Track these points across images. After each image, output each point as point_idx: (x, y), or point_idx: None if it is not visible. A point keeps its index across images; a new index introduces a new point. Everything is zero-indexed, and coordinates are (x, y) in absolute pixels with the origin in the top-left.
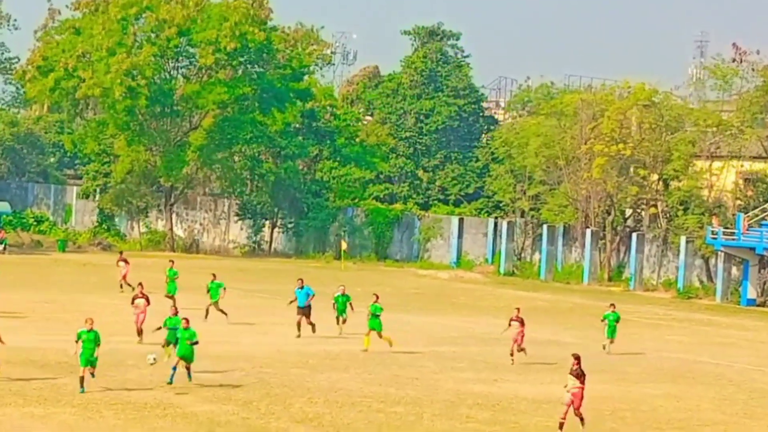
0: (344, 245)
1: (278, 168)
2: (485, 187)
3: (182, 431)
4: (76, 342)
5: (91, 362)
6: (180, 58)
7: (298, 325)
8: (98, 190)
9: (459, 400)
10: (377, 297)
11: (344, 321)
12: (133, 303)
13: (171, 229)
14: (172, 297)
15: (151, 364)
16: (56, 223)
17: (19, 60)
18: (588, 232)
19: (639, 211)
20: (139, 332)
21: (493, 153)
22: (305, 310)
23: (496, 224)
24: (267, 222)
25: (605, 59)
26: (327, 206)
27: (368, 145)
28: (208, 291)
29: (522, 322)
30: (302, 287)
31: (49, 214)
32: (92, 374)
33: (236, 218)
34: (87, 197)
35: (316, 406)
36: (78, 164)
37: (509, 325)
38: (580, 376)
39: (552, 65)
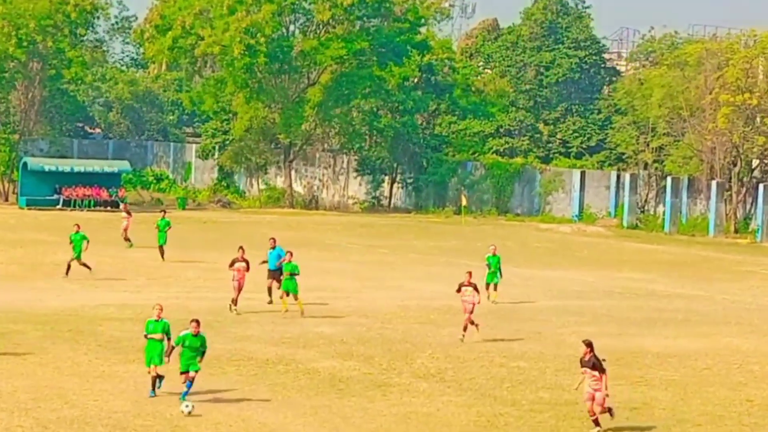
0: (464, 200)
1: (397, 123)
2: (607, 140)
3: (304, 387)
4: (145, 336)
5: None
6: (297, 14)
7: (269, 290)
8: (217, 147)
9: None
10: (291, 254)
11: (495, 287)
12: (232, 266)
13: (290, 185)
14: (161, 249)
15: (189, 412)
16: (176, 181)
17: (137, 18)
18: (713, 183)
19: (766, 161)
20: (235, 301)
21: (615, 105)
22: (275, 273)
23: (618, 177)
24: (386, 177)
25: (730, 8)
26: (446, 161)
27: (487, 99)
28: (71, 243)
29: (476, 288)
30: (274, 248)
31: (168, 172)
32: (160, 378)
33: (355, 174)
34: (206, 155)
35: (438, 362)
36: (197, 122)
37: (458, 290)
38: (595, 366)
39: (675, 15)
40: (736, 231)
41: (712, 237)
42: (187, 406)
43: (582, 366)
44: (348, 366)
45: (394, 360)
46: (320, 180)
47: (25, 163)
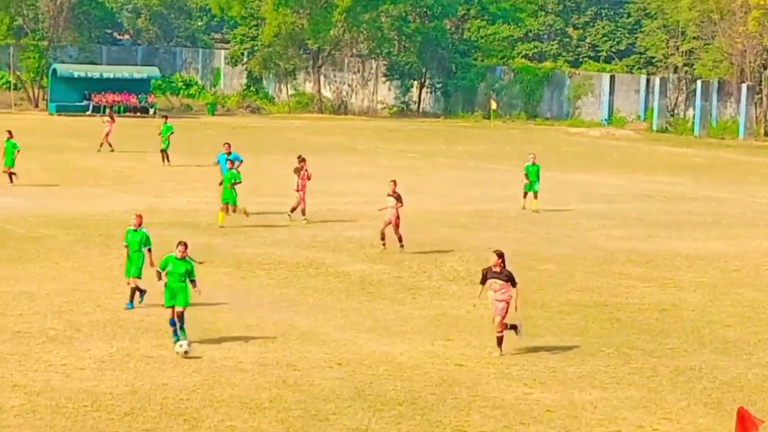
0: (493, 104)
1: (425, 27)
2: (637, 44)
3: (334, 290)
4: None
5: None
6: None
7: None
8: (246, 53)
9: (612, 258)
10: (232, 163)
11: (535, 196)
12: (301, 176)
13: (319, 91)
14: (165, 152)
15: (185, 352)
16: (205, 86)
17: None
18: (743, 86)
19: None
20: (294, 209)
21: (645, 8)
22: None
23: (648, 81)
24: (415, 82)
25: None
26: (475, 65)
27: (516, 3)
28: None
29: (399, 199)
30: (229, 153)
31: (197, 78)
32: (140, 291)
33: (384, 79)
34: (235, 61)
35: (467, 264)
36: (225, 28)
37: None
38: (508, 278)
39: None
40: (766, 134)
41: (742, 140)
42: (181, 345)
43: (489, 277)
44: (378, 269)
45: (423, 263)
46: (349, 85)
47: (54, 70)
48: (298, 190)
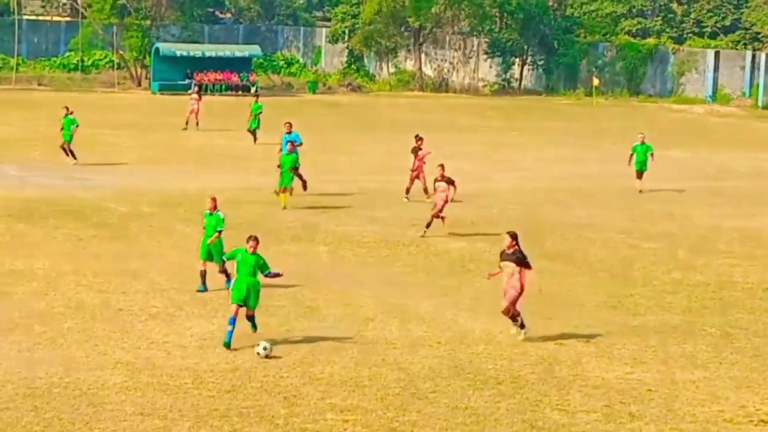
0: (596, 81)
1: (527, 4)
2: (743, 19)
3: (435, 268)
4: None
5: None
6: None
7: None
8: (347, 31)
9: (715, 236)
10: (292, 144)
11: (640, 175)
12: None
13: (420, 68)
14: (253, 132)
15: (266, 355)
16: (306, 65)
17: None
18: None
19: None
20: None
21: None
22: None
23: (754, 57)
24: (516, 59)
25: None
26: (577, 42)
27: None
28: (62, 129)
29: (451, 183)
30: (290, 132)
31: (298, 56)
32: (225, 273)
33: (485, 56)
34: (336, 39)
35: (567, 243)
36: (327, 6)
37: (434, 188)
38: (519, 261)
39: None
40: None
41: None
42: (264, 348)
43: (502, 259)
44: (478, 248)
45: (523, 242)
46: (450, 63)
47: (157, 49)
48: (413, 170)
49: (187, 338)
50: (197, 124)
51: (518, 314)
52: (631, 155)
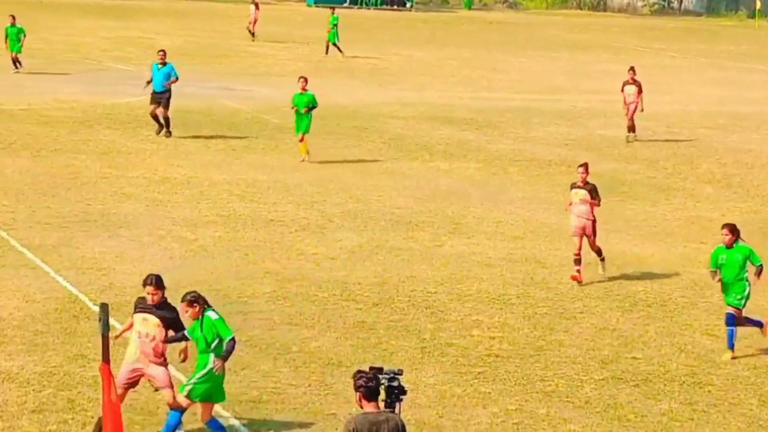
0: (758, 3)
1: None
2: None
3: None
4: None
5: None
6: None
7: (154, 117)
8: None
9: None
10: (306, 80)
11: None
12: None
13: None
14: (335, 45)
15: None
16: None
17: None
18: None
19: None
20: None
21: None
22: (161, 98)
23: None
24: None
25: None
26: None
27: None
28: (7, 38)
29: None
30: (164, 63)
31: None
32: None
33: None
34: None
35: (724, 167)
36: None
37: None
38: (592, 191)
39: None
40: None
41: None
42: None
43: (572, 188)
44: (632, 169)
45: (679, 164)
46: None
47: None
48: (627, 104)
49: (336, 250)
50: (253, 34)
51: (596, 249)
52: None
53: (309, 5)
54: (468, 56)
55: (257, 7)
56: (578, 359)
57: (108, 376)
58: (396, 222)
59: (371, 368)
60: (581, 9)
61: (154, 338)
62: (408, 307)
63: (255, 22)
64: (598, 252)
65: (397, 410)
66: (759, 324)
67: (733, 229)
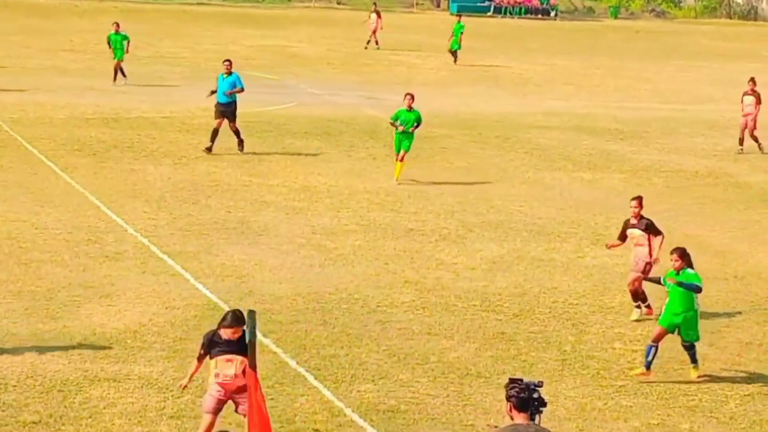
0: None
1: None
2: None
3: (733, 200)
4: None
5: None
6: None
7: (214, 131)
8: None
9: None
10: (412, 98)
11: None
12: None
13: None
14: (454, 53)
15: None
16: None
17: None
18: None
19: None
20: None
21: None
22: (226, 110)
23: None
24: None
25: None
26: None
27: None
28: (111, 46)
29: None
30: (230, 73)
31: None
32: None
33: None
34: None
35: None
36: None
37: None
38: (648, 228)
39: None
40: None
41: None
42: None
43: (626, 227)
44: None
45: None
46: None
47: None
48: (744, 115)
49: (476, 260)
50: (376, 43)
51: (637, 290)
52: None
53: (452, 14)
54: (613, 65)
55: (379, 16)
56: (723, 374)
57: (255, 382)
58: (537, 232)
59: (511, 380)
60: (731, 18)
61: None
62: (549, 319)
63: (376, 31)
64: (637, 295)
65: (537, 422)
66: None
67: None
